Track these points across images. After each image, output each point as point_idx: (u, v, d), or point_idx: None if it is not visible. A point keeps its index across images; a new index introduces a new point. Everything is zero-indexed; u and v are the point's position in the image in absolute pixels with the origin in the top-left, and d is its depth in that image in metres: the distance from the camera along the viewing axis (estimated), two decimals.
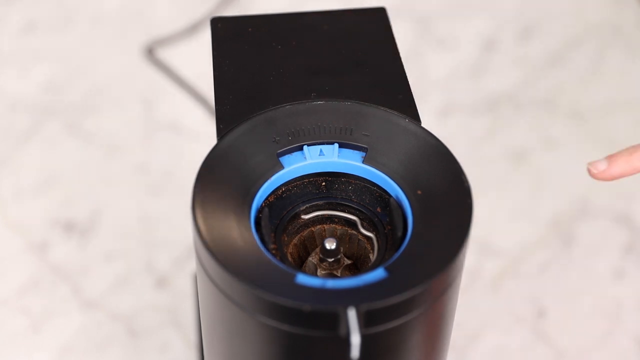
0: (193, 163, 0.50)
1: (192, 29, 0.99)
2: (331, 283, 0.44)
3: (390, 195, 0.49)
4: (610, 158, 0.52)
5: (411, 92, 0.53)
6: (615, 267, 0.79)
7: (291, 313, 0.42)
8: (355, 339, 0.42)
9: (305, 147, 0.50)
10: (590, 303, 0.78)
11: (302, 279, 0.44)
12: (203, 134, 0.89)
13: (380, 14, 0.58)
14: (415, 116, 0.51)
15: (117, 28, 0.99)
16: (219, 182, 0.48)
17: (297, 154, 0.50)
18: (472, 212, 0.46)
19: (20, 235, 0.81)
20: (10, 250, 0.80)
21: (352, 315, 0.42)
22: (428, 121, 0.51)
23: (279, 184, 0.50)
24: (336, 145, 0.50)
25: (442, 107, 0.92)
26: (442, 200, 0.47)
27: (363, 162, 0.50)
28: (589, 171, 0.52)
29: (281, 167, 0.49)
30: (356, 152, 0.50)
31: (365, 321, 0.42)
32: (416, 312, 0.44)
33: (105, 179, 0.85)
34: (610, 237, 0.82)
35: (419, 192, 0.48)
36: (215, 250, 0.44)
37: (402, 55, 0.56)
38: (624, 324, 0.76)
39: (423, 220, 0.47)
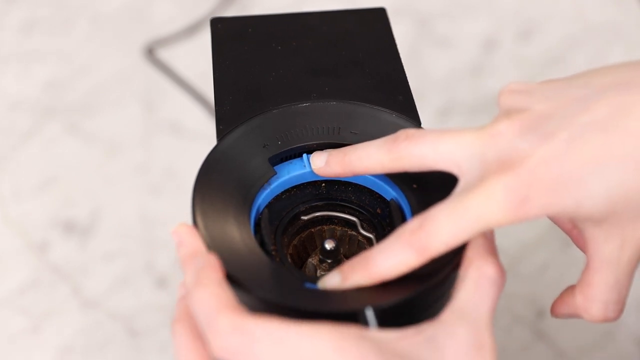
0: (193, 163, 0.50)
1: (192, 29, 0.99)
2: None
3: (389, 196, 0.49)
4: (328, 155, 0.50)
5: (411, 93, 0.53)
6: None
7: (307, 317, 0.42)
8: None
9: (304, 155, 0.50)
10: None
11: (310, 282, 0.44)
12: (203, 134, 0.89)
13: (380, 14, 0.58)
14: (415, 117, 0.51)
15: (117, 28, 0.99)
16: (219, 184, 0.48)
17: (295, 161, 0.50)
18: None
19: (20, 235, 0.81)
20: (10, 250, 0.80)
21: (370, 315, 0.42)
22: (428, 121, 0.51)
23: (275, 194, 0.50)
24: None
25: (442, 107, 0.92)
26: (439, 192, 0.47)
27: None
28: (312, 164, 0.50)
29: (274, 171, 0.49)
30: None
31: (381, 319, 0.42)
32: (429, 306, 0.44)
33: (105, 179, 0.85)
34: None
35: (415, 185, 0.48)
36: (218, 256, 0.44)
37: (402, 55, 0.56)
38: (624, 324, 0.76)
39: None
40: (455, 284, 0.44)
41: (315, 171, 0.50)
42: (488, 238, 0.45)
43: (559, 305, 0.49)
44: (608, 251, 0.45)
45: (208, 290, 0.41)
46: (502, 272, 0.43)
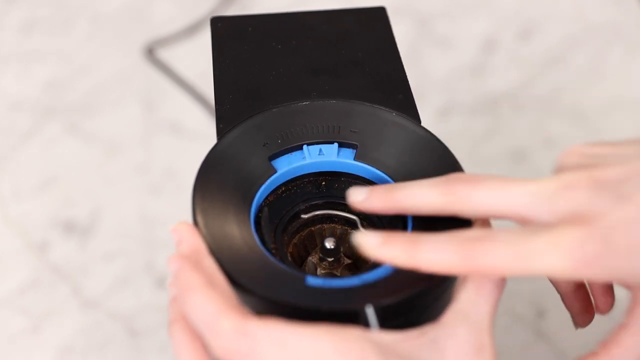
0: (193, 163, 0.50)
1: (192, 29, 0.99)
2: (342, 282, 0.44)
3: None
4: (370, 190, 0.47)
5: (411, 92, 0.53)
6: None
7: (307, 316, 0.42)
8: None
9: (305, 146, 0.50)
10: None
11: (312, 280, 0.44)
12: (203, 134, 0.89)
13: (380, 13, 0.58)
14: (415, 116, 0.51)
15: (117, 28, 0.99)
16: (219, 182, 0.48)
17: (296, 153, 0.50)
18: None
19: (20, 235, 0.81)
20: (10, 250, 0.80)
21: (370, 312, 0.42)
22: (428, 121, 0.51)
23: (276, 185, 0.50)
24: (335, 145, 0.50)
25: (442, 107, 0.92)
26: None
27: (355, 159, 0.50)
28: (349, 197, 0.47)
29: (274, 169, 0.49)
30: (349, 150, 0.50)
31: (381, 318, 0.42)
32: (429, 305, 0.44)
33: (105, 179, 0.85)
34: None
35: None
36: (219, 256, 0.44)
37: (402, 55, 0.56)
38: None
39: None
40: (456, 285, 0.44)
41: (353, 204, 0.47)
42: None
43: None
44: None
45: (202, 293, 0.41)
46: None
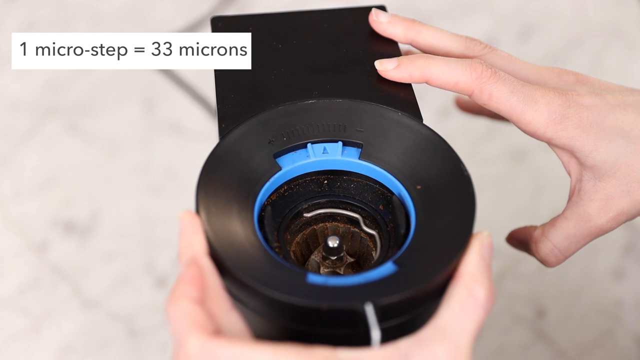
0: (193, 163, 0.50)
1: (192, 29, 0.99)
2: (343, 280, 0.44)
3: (392, 193, 0.49)
4: (393, 16, 0.56)
5: (413, 91, 0.53)
6: (615, 267, 0.79)
7: (307, 313, 0.42)
8: (376, 334, 0.42)
9: (309, 145, 0.50)
10: (590, 303, 0.77)
11: (313, 278, 0.44)
12: (203, 134, 0.89)
13: None
14: (417, 114, 0.51)
15: (117, 28, 0.99)
16: (223, 180, 0.48)
17: (300, 151, 0.50)
18: (475, 200, 0.46)
19: (20, 235, 0.81)
20: (10, 250, 0.80)
21: (369, 311, 0.42)
22: (428, 121, 0.51)
23: (280, 183, 0.50)
24: (340, 143, 0.50)
25: (442, 107, 0.92)
26: (443, 192, 0.47)
27: (360, 158, 0.50)
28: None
29: (279, 167, 0.49)
30: (353, 148, 0.50)
31: (382, 315, 0.42)
32: (430, 302, 0.44)
33: (105, 179, 0.85)
34: (610, 237, 0.81)
35: (419, 187, 0.48)
36: (221, 253, 0.44)
37: (402, 54, 0.56)
38: (624, 324, 0.76)
39: (427, 213, 0.47)
40: (441, 301, 0.43)
41: (372, 23, 0.56)
42: (485, 258, 0.44)
43: (518, 232, 0.55)
44: (587, 207, 0.51)
45: (180, 307, 0.41)
46: (491, 295, 0.42)
